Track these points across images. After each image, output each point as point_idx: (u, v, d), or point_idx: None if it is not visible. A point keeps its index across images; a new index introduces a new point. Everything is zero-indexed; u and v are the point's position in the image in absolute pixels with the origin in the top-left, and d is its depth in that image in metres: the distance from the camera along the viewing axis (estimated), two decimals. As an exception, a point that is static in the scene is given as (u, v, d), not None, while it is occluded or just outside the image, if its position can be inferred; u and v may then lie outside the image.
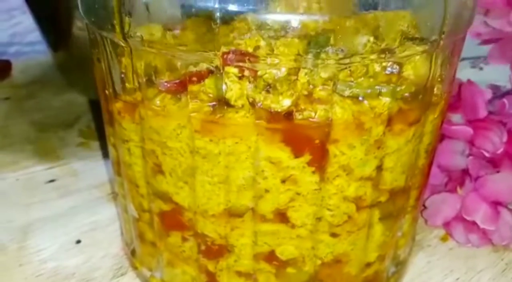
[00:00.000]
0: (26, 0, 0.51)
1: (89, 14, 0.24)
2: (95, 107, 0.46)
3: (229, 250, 0.25)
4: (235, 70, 0.21)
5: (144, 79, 0.23)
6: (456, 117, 0.36)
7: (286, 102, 0.21)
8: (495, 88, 0.39)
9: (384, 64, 0.22)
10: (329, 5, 0.21)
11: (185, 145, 0.23)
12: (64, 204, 0.38)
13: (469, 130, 0.34)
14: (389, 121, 0.23)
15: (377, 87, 0.22)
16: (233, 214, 0.24)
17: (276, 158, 0.22)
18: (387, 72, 0.22)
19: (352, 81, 0.21)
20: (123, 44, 0.22)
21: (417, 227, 0.32)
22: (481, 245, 0.34)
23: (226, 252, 0.25)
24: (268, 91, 0.21)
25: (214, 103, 0.22)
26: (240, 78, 0.21)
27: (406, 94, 0.23)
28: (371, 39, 0.20)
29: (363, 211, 0.25)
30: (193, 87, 0.22)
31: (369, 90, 0.22)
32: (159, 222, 0.27)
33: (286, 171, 0.22)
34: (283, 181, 0.23)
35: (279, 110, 0.21)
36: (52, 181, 0.40)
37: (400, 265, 0.30)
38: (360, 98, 0.22)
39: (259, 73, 0.21)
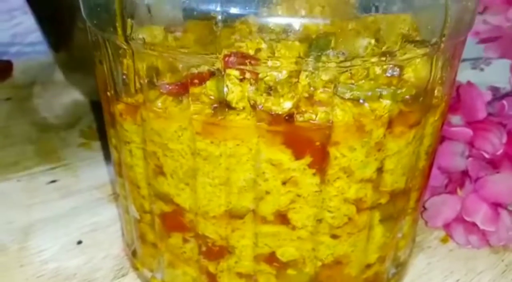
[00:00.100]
0: (27, 1, 0.51)
1: (91, 16, 0.24)
2: (96, 108, 0.46)
3: (230, 251, 0.25)
4: (236, 73, 0.21)
5: (146, 81, 0.23)
6: (455, 119, 0.36)
7: (287, 105, 0.21)
8: (494, 90, 0.39)
9: (384, 67, 0.22)
10: (330, 8, 0.21)
11: (186, 146, 0.23)
12: (65, 204, 0.38)
13: (468, 131, 0.34)
14: (390, 124, 0.23)
15: (377, 89, 0.22)
16: (234, 215, 0.24)
17: (277, 160, 0.22)
18: (387, 74, 0.22)
19: (353, 84, 0.22)
20: (125, 47, 0.22)
21: (417, 229, 0.32)
22: (481, 247, 0.34)
23: (226, 253, 0.25)
24: (269, 94, 0.21)
25: (215, 105, 0.22)
26: (241, 80, 0.21)
27: (407, 96, 0.23)
28: (372, 42, 0.20)
29: (364, 212, 0.25)
30: (194, 90, 0.22)
31: (369, 93, 0.22)
32: (160, 223, 0.27)
33: (287, 173, 0.23)
34: (284, 183, 0.23)
35: (280, 112, 0.21)
36: (53, 181, 0.40)
37: (400, 266, 0.31)
38: (361, 100, 0.22)
39: (260, 75, 0.21)
